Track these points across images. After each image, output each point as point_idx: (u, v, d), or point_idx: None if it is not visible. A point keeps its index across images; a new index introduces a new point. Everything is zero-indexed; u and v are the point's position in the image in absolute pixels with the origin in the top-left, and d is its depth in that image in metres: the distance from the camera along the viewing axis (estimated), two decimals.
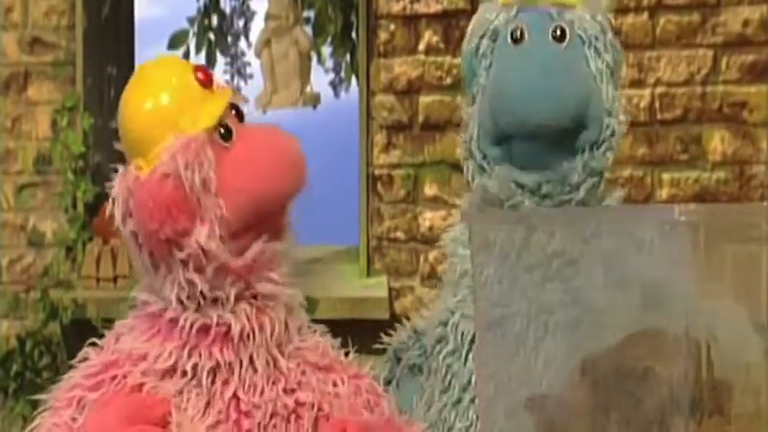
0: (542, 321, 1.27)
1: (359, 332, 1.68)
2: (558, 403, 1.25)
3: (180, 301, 1.36)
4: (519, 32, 1.55)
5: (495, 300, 1.31)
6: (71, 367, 1.43)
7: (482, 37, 1.57)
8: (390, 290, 3.32)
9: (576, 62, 1.56)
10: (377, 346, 1.70)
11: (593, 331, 1.23)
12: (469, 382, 1.57)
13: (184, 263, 1.34)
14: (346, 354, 1.48)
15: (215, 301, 1.36)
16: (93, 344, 1.43)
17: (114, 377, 1.37)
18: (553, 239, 1.26)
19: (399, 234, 3.35)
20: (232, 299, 1.36)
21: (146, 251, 1.37)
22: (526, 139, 1.54)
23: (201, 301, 1.36)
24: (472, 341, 1.57)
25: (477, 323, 1.38)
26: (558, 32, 1.56)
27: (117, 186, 1.37)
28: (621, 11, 3.25)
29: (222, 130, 1.36)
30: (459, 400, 1.58)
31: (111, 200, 1.37)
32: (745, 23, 3.24)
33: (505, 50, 1.56)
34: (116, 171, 1.38)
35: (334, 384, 1.42)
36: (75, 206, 3.43)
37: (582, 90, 1.54)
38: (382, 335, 1.75)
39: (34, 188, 3.48)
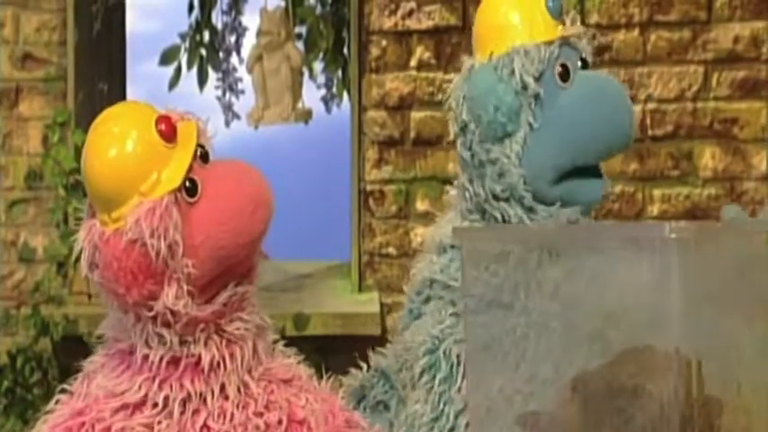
0: (534, 338, 1.27)
1: (350, 348, 1.67)
2: (550, 420, 1.25)
3: (149, 345, 1.35)
4: (565, 70, 1.57)
5: (488, 316, 1.31)
6: (62, 382, 1.42)
7: (534, 78, 1.57)
8: (382, 305, 3.32)
9: None
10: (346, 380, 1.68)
11: (585, 348, 1.23)
12: (465, 407, 1.56)
13: (153, 319, 1.33)
14: (327, 374, 1.48)
15: (184, 342, 1.35)
16: (64, 390, 1.41)
17: (82, 424, 1.35)
18: (545, 256, 1.26)
19: (391, 249, 3.35)
20: (202, 341, 1.35)
21: (113, 299, 1.35)
22: (585, 170, 1.57)
23: (171, 343, 1.35)
24: None
25: (468, 342, 1.38)
26: (581, 62, 1.60)
27: (83, 238, 1.34)
28: (612, 27, 3.26)
29: (188, 184, 1.32)
30: (453, 428, 1.57)
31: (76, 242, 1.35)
32: (736, 40, 3.26)
33: (557, 89, 1.56)
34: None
35: (307, 400, 1.41)
36: (66, 222, 3.42)
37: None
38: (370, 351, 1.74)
39: (25, 204, 3.47)
